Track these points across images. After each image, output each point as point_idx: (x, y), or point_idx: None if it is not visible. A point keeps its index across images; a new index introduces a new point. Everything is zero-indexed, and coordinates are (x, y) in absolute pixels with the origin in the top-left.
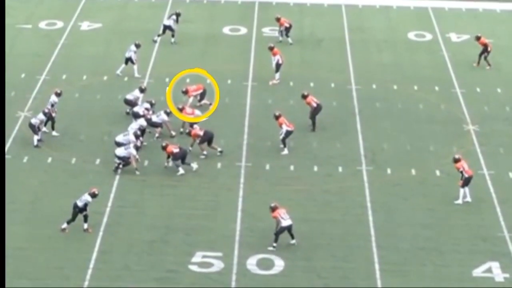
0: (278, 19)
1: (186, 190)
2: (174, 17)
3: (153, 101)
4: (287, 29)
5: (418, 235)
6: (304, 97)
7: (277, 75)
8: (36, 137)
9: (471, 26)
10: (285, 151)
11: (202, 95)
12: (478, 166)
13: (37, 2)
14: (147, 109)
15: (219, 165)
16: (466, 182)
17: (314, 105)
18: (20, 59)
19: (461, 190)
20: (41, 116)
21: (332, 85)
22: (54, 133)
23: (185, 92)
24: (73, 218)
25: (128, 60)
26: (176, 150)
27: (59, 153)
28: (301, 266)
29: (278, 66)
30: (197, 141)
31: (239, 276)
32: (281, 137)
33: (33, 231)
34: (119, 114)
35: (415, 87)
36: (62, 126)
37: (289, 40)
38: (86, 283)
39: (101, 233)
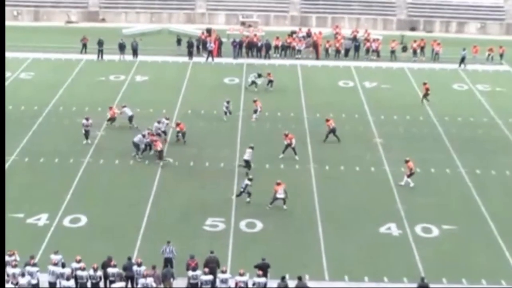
0: (268, 74)
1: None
2: (255, 75)
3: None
4: (270, 82)
5: (348, 206)
6: (328, 123)
7: (254, 116)
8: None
9: (378, 77)
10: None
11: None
12: (382, 164)
13: (108, 63)
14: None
15: (222, 164)
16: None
17: (332, 126)
18: (96, 99)
19: (406, 179)
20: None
21: (292, 114)
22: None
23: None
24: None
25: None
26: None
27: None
28: (273, 227)
29: (255, 111)
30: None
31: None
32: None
33: None
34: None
35: (343, 115)
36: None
37: (270, 88)
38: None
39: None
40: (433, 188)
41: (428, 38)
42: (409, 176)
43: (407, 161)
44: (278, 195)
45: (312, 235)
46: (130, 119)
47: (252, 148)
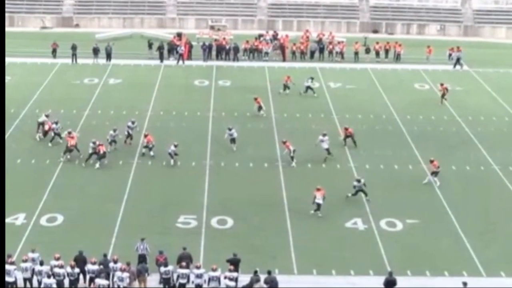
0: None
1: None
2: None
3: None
4: (286, 86)
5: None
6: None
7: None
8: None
9: (343, 78)
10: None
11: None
12: (348, 162)
13: (82, 67)
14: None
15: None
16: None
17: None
18: (72, 101)
19: (431, 177)
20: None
21: (262, 113)
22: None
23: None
24: None
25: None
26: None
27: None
28: (242, 224)
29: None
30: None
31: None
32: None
33: None
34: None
35: (310, 115)
36: None
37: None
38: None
39: (122, 207)
40: (396, 183)
41: (390, 40)
42: (433, 173)
43: (431, 161)
44: (317, 200)
45: (281, 230)
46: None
47: (325, 135)
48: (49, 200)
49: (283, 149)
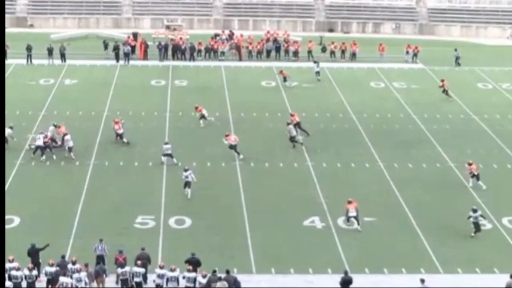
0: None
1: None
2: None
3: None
4: (285, 79)
5: (274, 205)
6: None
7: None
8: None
9: (300, 77)
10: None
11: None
12: (305, 160)
13: (37, 67)
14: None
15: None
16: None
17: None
18: (28, 103)
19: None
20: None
21: (217, 114)
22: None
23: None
24: None
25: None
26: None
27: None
28: (200, 223)
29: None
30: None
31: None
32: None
33: None
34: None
35: (266, 114)
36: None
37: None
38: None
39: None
40: (354, 181)
41: (346, 39)
42: (473, 177)
43: (470, 164)
44: (350, 213)
45: (239, 230)
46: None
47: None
48: (5, 202)
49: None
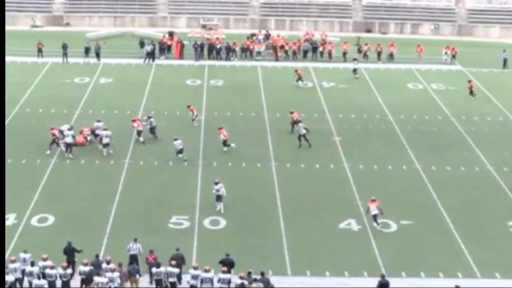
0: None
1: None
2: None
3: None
4: (299, 78)
5: (310, 206)
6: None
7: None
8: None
9: (336, 78)
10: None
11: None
12: (341, 162)
13: (73, 66)
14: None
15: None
16: None
17: (296, 118)
18: (63, 101)
19: None
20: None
21: (253, 114)
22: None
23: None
24: None
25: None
26: None
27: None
28: (235, 224)
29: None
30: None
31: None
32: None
33: None
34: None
35: (303, 114)
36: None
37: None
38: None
39: (115, 204)
40: (390, 184)
41: (383, 40)
42: None
43: None
44: (372, 212)
45: (275, 231)
46: (153, 130)
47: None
48: (40, 200)
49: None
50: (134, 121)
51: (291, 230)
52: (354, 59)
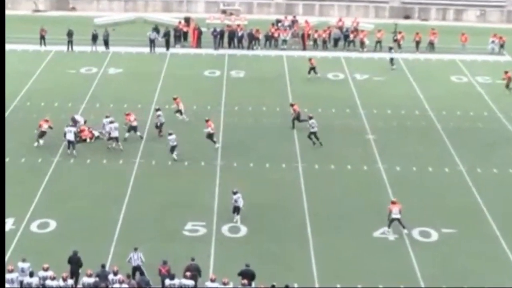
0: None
1: (179, 182)
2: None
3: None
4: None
5: (341, 212)
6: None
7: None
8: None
9: (370, 69)
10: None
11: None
12: (375, 162)
13: (79, 55)
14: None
15: (202, 163)
16: None
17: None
18: (67, 93)
19: None
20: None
21: (277, 108)
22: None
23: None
24: None
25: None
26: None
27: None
28: (256, 231)
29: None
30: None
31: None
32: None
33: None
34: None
35: (333, 110)
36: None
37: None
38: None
39: (124, 207)
40: (431, 188)
41: (423, 27)
42: None
43: None
44: (394, 215)
45: (301, 239)
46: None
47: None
48: (40, 203)
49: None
50: (128, 115)
51: (319, 238)
52: (390, 48)
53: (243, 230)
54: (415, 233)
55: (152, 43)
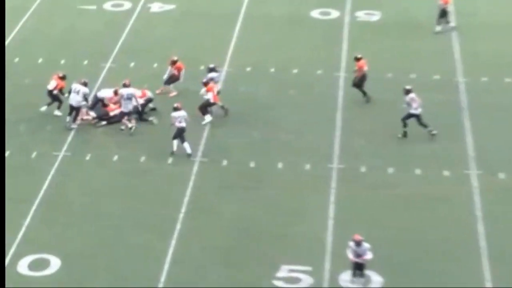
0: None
1: (269, 192)
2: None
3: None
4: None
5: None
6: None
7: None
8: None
9: None
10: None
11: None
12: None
13: None
14: None
15: (307, 166)
16: None
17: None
18: (82, 44)
19: None
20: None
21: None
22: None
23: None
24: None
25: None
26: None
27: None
28: (400, 282)
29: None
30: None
31: None
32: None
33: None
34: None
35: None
36: None
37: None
38: None
39: (173, 241)
40: None
41: None
42: None
43: None
44: None
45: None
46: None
47: None
48: (34, 226)
49: None
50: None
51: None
52: None
53: (376, 279)
54: None
55: None
